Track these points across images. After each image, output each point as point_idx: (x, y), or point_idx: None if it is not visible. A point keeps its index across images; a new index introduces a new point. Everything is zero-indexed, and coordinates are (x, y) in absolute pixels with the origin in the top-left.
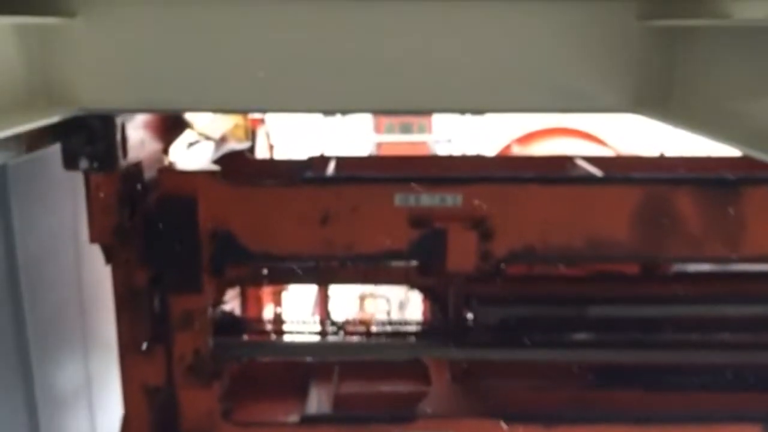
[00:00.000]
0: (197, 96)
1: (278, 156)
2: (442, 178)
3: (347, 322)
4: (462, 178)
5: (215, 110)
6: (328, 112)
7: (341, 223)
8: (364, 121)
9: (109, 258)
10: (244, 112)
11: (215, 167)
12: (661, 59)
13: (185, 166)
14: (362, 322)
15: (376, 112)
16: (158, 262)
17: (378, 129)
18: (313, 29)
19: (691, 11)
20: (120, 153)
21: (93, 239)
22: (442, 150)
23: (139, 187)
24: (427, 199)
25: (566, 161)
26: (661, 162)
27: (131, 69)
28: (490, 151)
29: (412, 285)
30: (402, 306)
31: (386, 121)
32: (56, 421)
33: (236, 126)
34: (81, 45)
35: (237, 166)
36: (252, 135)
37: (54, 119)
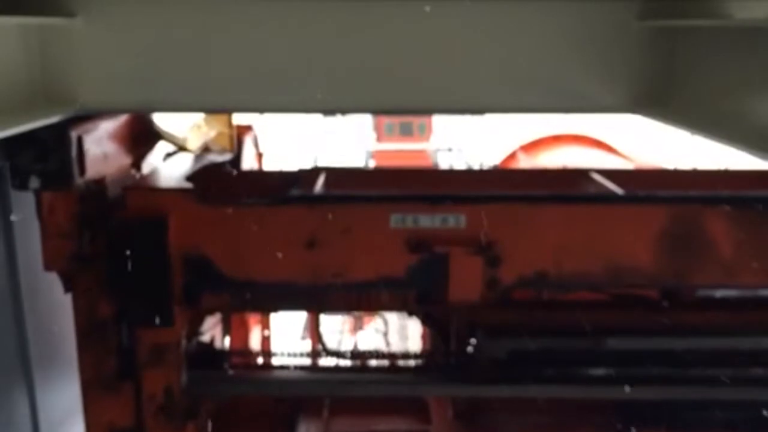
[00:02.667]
0: (197, 96)
1: (268, 165)
2: (443, 196)
3: (340, 354)
4: (466, 197)
5: (215, 110)
6: (328, 112)
7: (330, 247)
8: (363, 123)
9: (69, 287)
10: (243, 112)
11: (188, 184)
12: (660, 59)
13: (155, 182)
14: (356, 355)
15: (376, 112)
16: (123, 291)
17: (378, 128)
18: (314, 30)
19: (691, 11)
20: (76, 169)
21: (47, 266)
22: (443, 158)
23: (101, 207)
24: (427, 221)
25: (581, 176)
26: (688, 177)
27: (131, 69)
28: (495, 159)
29: (411, 312)
30: (402, 330)
31: (386, 120)
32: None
33: (220, 134)
34: (81, 45)
35: (215, 182)
36: (238, 143)
37: (54, 119)
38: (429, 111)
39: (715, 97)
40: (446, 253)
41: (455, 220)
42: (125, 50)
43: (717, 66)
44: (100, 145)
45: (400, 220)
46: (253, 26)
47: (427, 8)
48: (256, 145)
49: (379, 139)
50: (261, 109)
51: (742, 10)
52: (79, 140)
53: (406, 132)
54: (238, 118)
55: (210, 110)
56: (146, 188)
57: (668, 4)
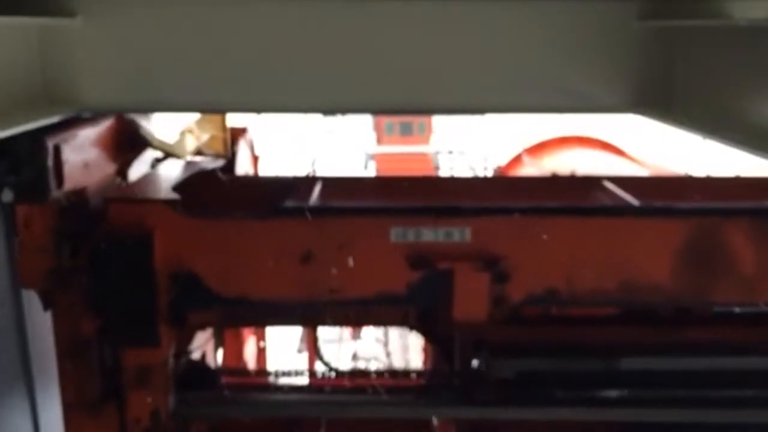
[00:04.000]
0: (197, 96)
1: (264, 169)
2: (446, 208)
3: (339, 372)
4: (471, 209)
5: (215, 110)
6: (328, 112)
7: (326, 262)
8: (363, 124)
9: (48, 304)
10: (243, 112)
11: (175, 195)
12: (661, 60)
13: (140, 192)
14: (355, 374)
15: (376, 112)
16: (106, 309)
17: (378, 128)
18: (314, 30)
19: (691, 11)
20: (52, 181)
21: (24, 283)
22: (444, 161)
23: (82, 219)
24: (429, 234)
25: (592, 184)
26: (706, 185)
27: (131, 69)
28: (499, 162)
29: (412, 328)
30: (403, 338)
31: (386, 120)
32: None
33: (213, 138)
34: (81, 45)
35: (205, 191)
36: (232, 147)
37: (54, 119)
38: (429, 111)
39: (715, 97)
40: (450, 269)
41: (460, 233)
42: (125, 50)
43: (717, 66)
44: (80, 153)
45: (400, 234)
46: (253, 26)
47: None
48: (252, 149)
49: (379, 139)
50: (261, 109)
51: (742, 10)
52: (56, 149)
53: (406, 132)
54: (233, 121)
55: (210, 110)
56: (130, 200)
57: (668, 4)
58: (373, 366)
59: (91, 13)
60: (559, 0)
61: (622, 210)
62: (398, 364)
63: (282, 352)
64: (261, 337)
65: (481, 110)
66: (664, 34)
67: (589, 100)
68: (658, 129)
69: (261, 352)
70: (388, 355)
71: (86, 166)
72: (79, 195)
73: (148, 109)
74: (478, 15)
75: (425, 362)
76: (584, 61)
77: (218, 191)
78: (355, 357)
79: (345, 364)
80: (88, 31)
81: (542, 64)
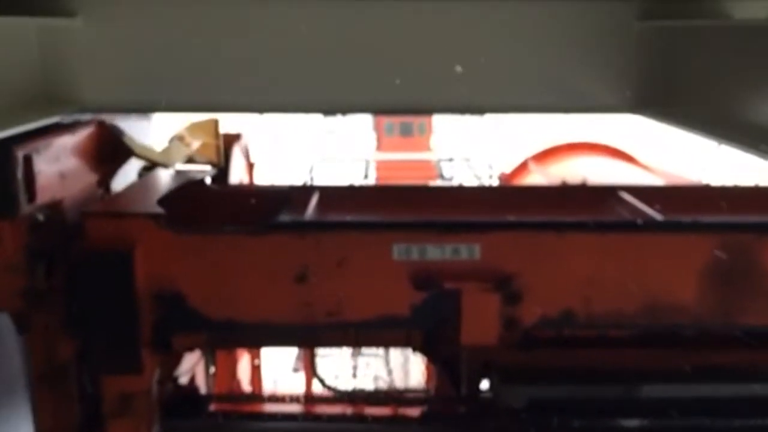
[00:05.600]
0: (197, 96)
1: (259, 177)
2: (453, 223)
3: (337, 392)
4: (480, 224)
5: (215, 110)
6: (328, 112)
7: (323, 281)
8: (363, 125)
9: (23, 327)
10: (243, 112)
11: (159, 208)
12: (660, 60)
13: (122, 205)
14: (355, 399)
15: (376, 112)
16: (84, 332)
17: (378, 128)
18: (314, 30)
19: (691, 11)
20: (22, 194)
21: None
22: (447, 168)
23: (58, 235)
24: (435, 252)
25: (608, 195)
26: (732, 196)
27: (131, 69)
28: (504, 169)
29: (416, 349)
30: (405, 352)
31: (386, 120)
32: None
33: (205, 145)
34: (81, 45)
35: (193, 203)
36: (226, 154)
37: (54, 119)
38: (429, 111)
39: (715, 97)
40: (458, 289)
41: (468, 250)
42: (125, 50)
43: (717, 66)
44: (55, 163)
45: (403, 251)
46: (253, 26)
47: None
48: (247, 155)
49: (379, 139)
50: (261, 109)
51: (742, 10)
52: (27, 160)
53: (406, 132)
54: (226, 127)
55: (210, 110)
56: (109, 213)
57: (668, 4)
58: (373, 383)
59: (91, 13)
60: (560, 0)
61: (644, 225)
62: (399, 378)
63: (278, 369)
64: (255, 355)
65: (481, 110)
66: (664, 34)
67: (589, 100)
68: (663, 131)
69: (255, 371)
70: (389, 372)
71: (62, 177)
72: (54, 209)
73: (148, 109)
74: (478, 15)
75: (428, 381)
76: (584, 61)
77: (207, 203)
78: (354, 374)
79: (344, 381)
80: (88, 31)
81: (542, 64)
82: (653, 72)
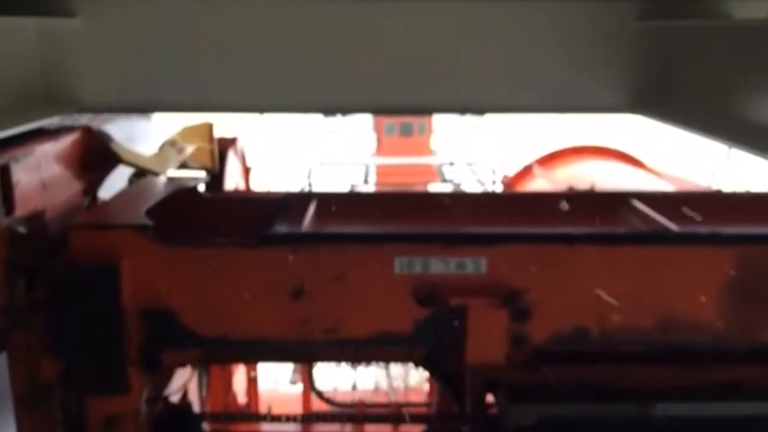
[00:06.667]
0: (196, 96)
1: (256, 182)
2: (458, 235)
3: (336, 408)
4: (487, 236)
5: (215, 110)
6: (328, 112)
7: (321, 296)
8: (363, 125)
9: (3, 345)
10: (244, 112)
11: (147, 219)
12: (660, 59)
13: (109, 216)
14: (355, 419)
15: (376, 112)
16: (68, 351)
17: (378, 128)
18: (314, 30)
19: (690, 11)
20: (0, 206)
21: None
22: (449, 172)
23: (40, 248)
24: (439, 265)
25: (619, 203)
26: (748, 203)
27: (131, 69)
28: (508, 172)
29: (418, 365)
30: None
31: (386, 120)
32: None
33: (199, 150)
34: (81, 45)
35: (183, 213)
36: (220, 159)
37: (54, 119)
38: (429, 111)
39: (714, 97)
40: (464, 305)
41: (474, 264)
42: (125, 50)
43: (717, 66)
44: (36, 172)
45: (406, 265)
46: (253, 27)
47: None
48: (243, 160)
49: (379, 139)
50: (261, 109)
51: (741, 10)
52: (4, 169)
53: (407, 132)
54: (221, 131)
55: (210, 110)
56: (93, 225)
57: (668, 4)
58: (373, 392)
59: (91, 13)
60: (559, 0)
61: (661, 237)
62: (399, 382)
63: (276, 379)
64: (251, 367)
65: (481, 110)
66: (664, 34)
67: (589, 100)
68: (664, 133)
69: (251, 383)
70: (390, 383)
71: (44, 186)
72: (36, 220)
73: (148, 109)
74: (478, 15)
75: (430, 394)
76: (584, 61)
77: (199, 213)
78: (354, 386)
79: (343, 391)
80: (88, 31)
81: (542, 64)
82: (653, 72)
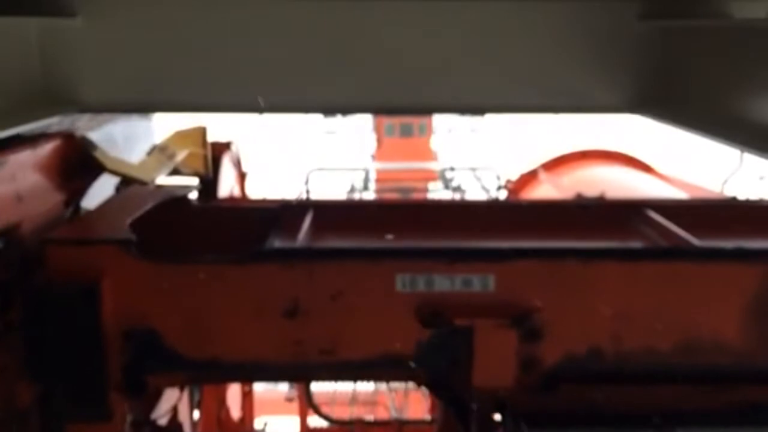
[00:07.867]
0: (196, 96)
1: (252, 188)
2: (464, 250)
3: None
4: (494, 251)
5: (215, 110)
6: (328, 112)
7: (316, 316)
8: (363, 125)
9: None
10: (244, 112)
11: (129, 234)
12: (660, 59)
13: (90, 229)
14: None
15: (376, 112)
16: (46, 375)
17: (378, 128)
18: (313, 30)
19: (691, 11)
20: None
21: None
22: (451, 177)
23: (15, 264)
24: (444, 283)
25: (633, 212)
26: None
27: (131, 69)
28: (512, 177)
29: (420, 385)
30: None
31: (386, 121)
32: None
33: (192, 155)
34: (81, 45)
35: (171, 225)
36: (214, 165)
37: (54, 119)
38: (429, 111)
39: (714, 97)
40: (470, 326)
41: (481, 282)
42: (125, 50)
43: (717, 66)
44: (10, 183)
45: (408, 282)
46: (253, 26)
47: None
48: (238, 165)
49: (379, 140)
50: (261, 109)
51: (741, 10)
52: None
53: (407, 133)
54: (214, 136)
55: (209, 110)
56: (72, 240)
57: (668, 4)
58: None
59: (91, 13)
60: (560, 0)
61: (684, 253)
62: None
63: (271, 389)
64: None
65: (481, 110)
66: (665, 34)
67: (589, 100)
68: (667, 135)
69: (246, 397)
70: (392, 401)
71: (19, 198)
72: (11, 235)
73: (148, 109)
74: (478, 15)
75: (432, 410)
76: (584, 61)
77: (187, 225)
78: (353, 401)
79: (342, 405)
80: (88, 31)
81: (542, 64)
82: (653, 72)
